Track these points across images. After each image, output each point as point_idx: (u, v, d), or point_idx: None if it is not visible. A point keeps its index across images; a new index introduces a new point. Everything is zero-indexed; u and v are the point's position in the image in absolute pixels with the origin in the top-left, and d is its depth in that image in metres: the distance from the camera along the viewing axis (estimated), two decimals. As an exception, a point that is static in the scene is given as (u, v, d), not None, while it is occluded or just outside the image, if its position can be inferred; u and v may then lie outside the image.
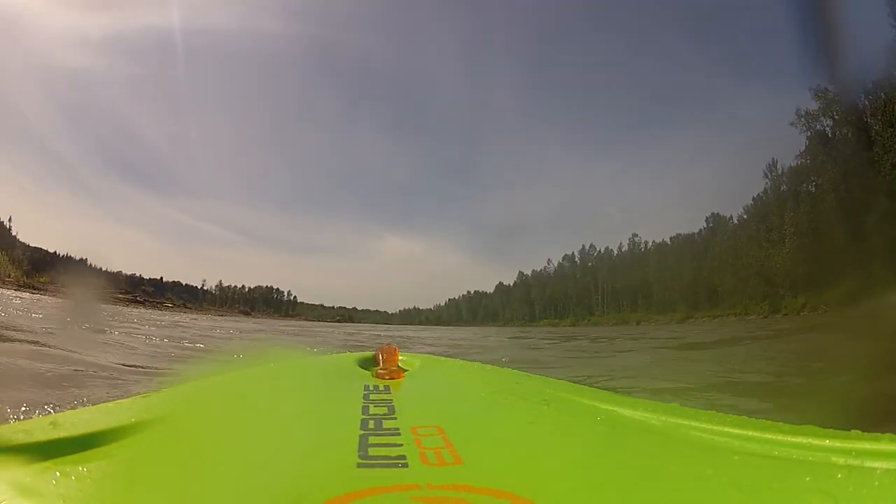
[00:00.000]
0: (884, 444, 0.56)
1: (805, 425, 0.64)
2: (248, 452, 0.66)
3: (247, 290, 67.21)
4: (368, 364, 1.39)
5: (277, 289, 68.77)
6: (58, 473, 0.52)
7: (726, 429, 0.69)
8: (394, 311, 68.82)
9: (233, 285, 66.86)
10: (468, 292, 65.73)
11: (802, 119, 28.16)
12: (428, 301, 71.48)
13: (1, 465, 0.52)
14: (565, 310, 52.89)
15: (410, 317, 66.26)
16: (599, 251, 52.98)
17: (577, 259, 54.72)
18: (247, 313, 57.46)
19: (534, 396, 1.05)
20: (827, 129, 27.56)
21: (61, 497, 0.48)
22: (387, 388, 1.05)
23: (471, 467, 0.59)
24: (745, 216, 37.40)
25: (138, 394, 0.94)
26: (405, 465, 0.59)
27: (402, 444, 0.66)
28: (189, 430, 0.77)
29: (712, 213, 41.01)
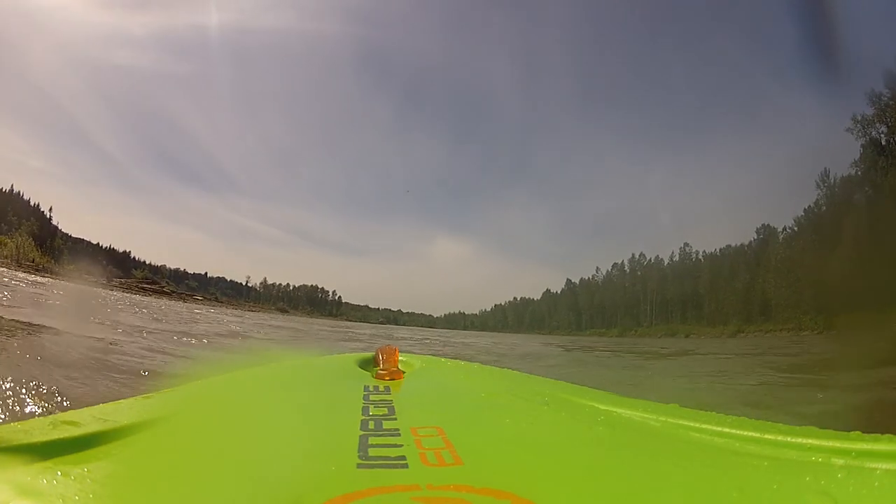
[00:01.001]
0: (884, 445, 0.56)
1: (805, 426, 0.65)
2: (248, 452, 0.66)
3: (291, 288, 66.47)
4: (368, 365, 1.39)
5: (322, 288, 67.80)
6: (58, 473, 0.52)
7: (726, 429, 0.69)
8: (439, 315, 67.20)
9: (277, 283, 66.24)
10: (514, 298, 64.43)
11: (858, 125, 27.06)
12: (474, 306, 70.58)
13: (1, 465, 0.52)
14: (612, 319, 51.67)
15: (455, 321, 64.69)
16: (650, 260, 51.63)
17: (626, 268, 53.33)
18: (284, 311, 56.70)
19: (534, 396, 1.05)
20: (882, 135, 26.66)
21: (61, 497, 0.48)
22: (387, 388, 1.05)
23: (471, 468, 0.59)
24: (795, 227, 36.30)
25: (138, 394, 0.93)
26: (405, 466, 0.59)
27: (402, 445, 0.66)
28: (189, 430, 0.77)
29: (763, 224, 39.92)
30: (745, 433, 0.67)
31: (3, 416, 1.83)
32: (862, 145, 27.99)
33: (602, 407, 0.87)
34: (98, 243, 54.65)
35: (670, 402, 0.84)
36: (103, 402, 0.80)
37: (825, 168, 32.47)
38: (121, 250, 55.84)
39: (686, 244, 48.32)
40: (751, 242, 41.30)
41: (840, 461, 0.56)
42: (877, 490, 0.50)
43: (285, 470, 0.60)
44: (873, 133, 27.19)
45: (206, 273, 61.08)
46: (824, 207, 33.00)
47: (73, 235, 52.88)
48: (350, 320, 54.36)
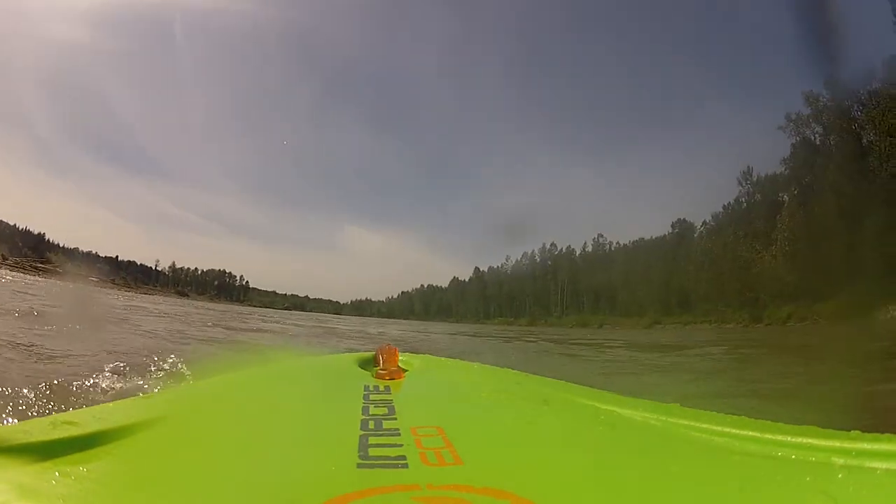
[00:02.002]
0: (884, 444, 0.56)
1: (805, 425, 0.65)
2: (248, 452, 0.66)
3: (200, 272, 66.40)
4: (368, 364, 1.39)
5: (230, 273, 67.88)
6: (58, 473, 0.52)
7: (726, 429, 0.69)
8: (345, 302, 67.28)
9: (186, 267, 65.98)
10: (422, 286, 63.84)
11: (792, 124, 27.73)
12: (381, 293, 69.82)
13: (1, 465, 0.52)
14: (522, 309, 50.85)
15: (362, 308, 64.42)
16: (561, 250, 50.75)
17: (536, 257, 52.49)
18: (183, 294, 56.33)
19: (534, 396, 1.05)
20: (816, 135, 27.16)
21: (61, 497, 0.48)
22: (387, 388, 1.05)
23: (471, 467, 0.59)
24: (712, 223, 36.31)
25: (138, 394, 0.93)
26: (405, 466, 0.59)
27: (402, 445, 0.66)
28: (189, 430, 0.77)
29: (678, 219, 39.64)
30: (745, 433, 0.67)
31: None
32: (793, 144, 28.41)
33: (603, 406, 0.87)
34: (15, 224, 52.81)
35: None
36: (103, 403, 0.80)
37: (748, 166, 32.77)
38: (36, 232, 53.98)
39: (600, 234, 47.69)
40: (664, 236, 41.04)
41: (840, 461, 0.56)
42: (877, 490, 0.50)
43: (285, 470, 0.60)
44: (807, 133, 27.57)
45: (116, 256, 60.08)
46: (745, 204, 33.16)
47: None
48: (254, 305, 53.50)
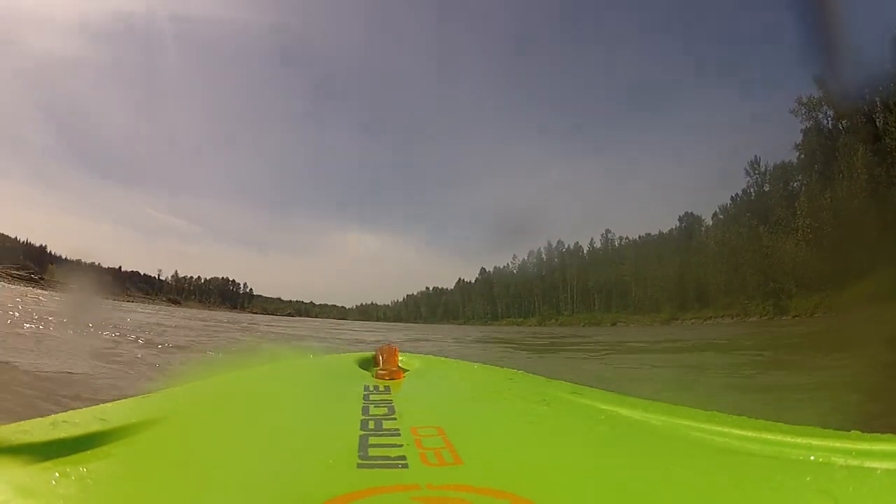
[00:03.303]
0: (884, 444, 0.56)
1: (805, 425, 0.65)
2: (248, 453, 0.66)
3: (203, 280, 66.87)
4: (368, 364, 1.39)
5: (234, 280, 68.29)
6: (58, 473, 0.52)
7: (726, 429, 0.69)
8: (350, 307, 67.01)
9: (189, 276, 66.55)
10: (427, 288, 63.47)
11: (803, 107, 27.21)
12: (386, 297, 70.13)
13: (1, 465, 0.52)
14: (530, 308, 49.75)
15: (368, 312, 64.29)
16: (568, 247, 49.56)
17: (543, 255, 51.35)
18: (175, 302, 56.22)
19: (534, 396, 1.05)
20: (828, 119, 26.58)
21: (61, 497, 0.48)
22: (387, 388, 1.05)
23: (471, 467, 0.59)
24: (721, 216, 35.99)
25: (138, 394, 0.93)
26: (405, 466, 0.59)
27: (402, 445, 0.66)
28: (189, 430, 0.77)
29: (685, 212, 39.14)
30: (746, 433, 0.67)
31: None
32: (803, 130, 28.09)
33: (603, 406, 0.87)
34: (16, 237, 54.99)
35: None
36: (103, 403, 0.80)
37: (755, 156, 32.63)
38: (37, 244, 55.93)
39: (608, 230, 46.59)
40: (671, 231, 40.43)
41: (840, 461, 0.56)
42: (877, 490, 0.50)
43: (285, 470, 0.60)
44: (820, 116, 27.13)
45: (119, 267, 61.48)
46: (753, 194, 32.62)
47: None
48: (255, 312, 53.29)
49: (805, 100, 27.41)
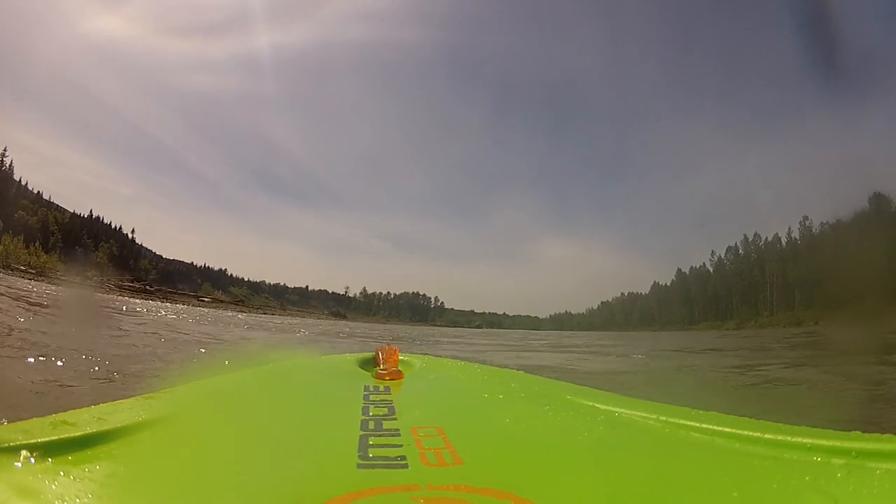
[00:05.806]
0: (884, 444, 0.56)
1: (805, 426, 0.65)
2: (248, 452, 0.66)
3: (392, 296, 67.11)
4: (369, 365, 1.39)
5: (424, 294, 68.27)
6: (58, 473, 0.52)
7: (726, 429, 0.69)
8: (545, 316, 65.91)
9: (377, 292, 66.89)
10: (622, 294, 61.43)
11: None
12: (581, 305, 68.54)
13: (1, 465, 0.52)
14: (728, 310, 45.75)
15: (562, 322, 62.88)
16: (766, 239, 44.29)
17: (740, 251, 46.58)
18: (339, 315, 56.26)
19: (534, 396, 1.05)
20: None
21: (61, 497, 0.48)
22: (387, 388, 1.05)
23: (471, 468, 0.59)
24: None
25: (138, 394, 0.93)
26: (405, 466, 0.59)
27: (402, 445, 0.66)
28: (189, 430, 0.77)
29: (874, 193, 31.70)
30: (746, 433, 0.67)
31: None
32: None
33: (603, 407, 0.87)
34: (192, 262, 57.89)
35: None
36: (103, 403, 0.80)
37: None
38: (216, 268, 58.75)
39: (805, 217, 40.47)
40: (864, 212, 32.93)
41: (840, 461, 0.56)
42: (877, 490, 0.50)
43: (285, 470, 0.60)
44: None
45: (307, 286, 63.19)
46: None
47: (166, 256, 56.33)
48: (439, 325, 52.02)
49: None
